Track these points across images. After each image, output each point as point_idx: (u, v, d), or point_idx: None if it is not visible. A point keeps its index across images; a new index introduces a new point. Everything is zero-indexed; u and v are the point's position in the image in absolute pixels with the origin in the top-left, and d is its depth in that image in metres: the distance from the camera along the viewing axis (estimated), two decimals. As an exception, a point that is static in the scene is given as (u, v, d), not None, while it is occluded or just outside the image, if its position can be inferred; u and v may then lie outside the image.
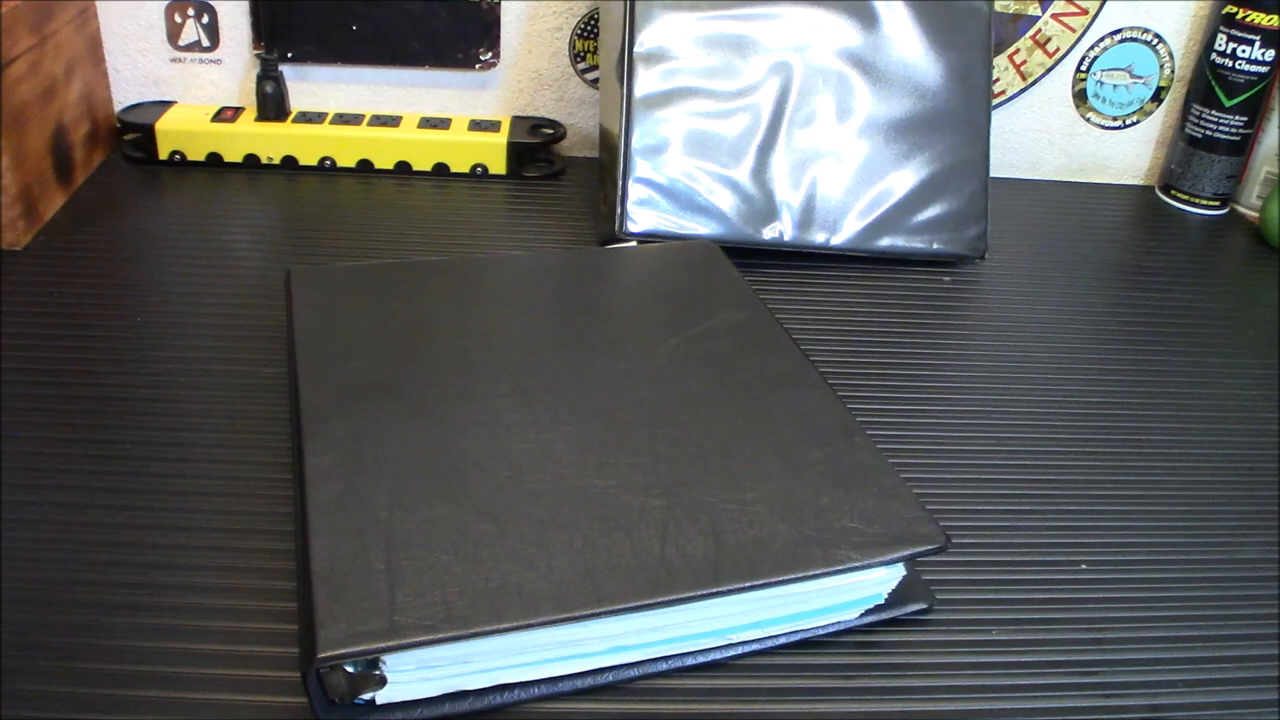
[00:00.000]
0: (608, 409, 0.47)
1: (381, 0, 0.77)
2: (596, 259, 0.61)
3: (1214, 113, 0.82)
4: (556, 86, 0.83)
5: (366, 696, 0.38)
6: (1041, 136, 0.88)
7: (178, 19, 0.79)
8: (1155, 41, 0.85)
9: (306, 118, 0.79)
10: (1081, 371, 0.63)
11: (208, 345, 0.58)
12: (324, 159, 0.78)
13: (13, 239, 0.65)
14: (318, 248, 0.69)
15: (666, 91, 0.69)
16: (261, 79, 0.77)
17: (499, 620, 0.37)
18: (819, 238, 0.70)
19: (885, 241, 0.71)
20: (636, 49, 0.68)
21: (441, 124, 0.80)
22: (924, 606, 0.45)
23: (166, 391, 0.54)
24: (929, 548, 0.42)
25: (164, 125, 0.76)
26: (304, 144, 0.77)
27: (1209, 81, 0.82)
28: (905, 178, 0.71)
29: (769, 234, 0.70)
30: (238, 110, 0.79)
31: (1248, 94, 0.80)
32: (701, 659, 0.42)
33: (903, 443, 0.55)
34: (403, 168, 0.79)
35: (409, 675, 0.37)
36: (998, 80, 0.85)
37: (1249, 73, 0.80)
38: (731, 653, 0.42)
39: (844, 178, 0.70)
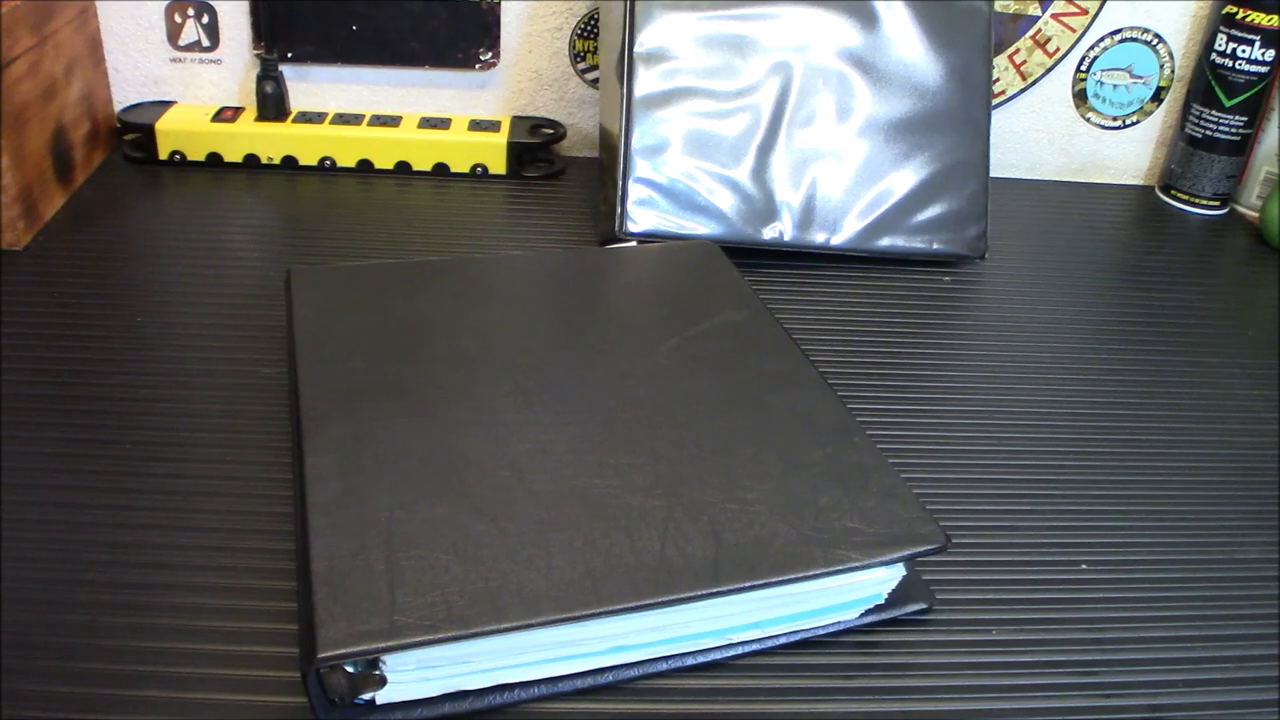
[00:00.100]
0: (608, 409, 0.47)
1: (381, 0, 0.77)
2: (596, 259, 0.61)
3: (1214, 113, 0.82)
4: (556, 86, 0.83)
5: (366, 696, 0.38)
6: (1041, 136, 0.88)
7: (178, 19, 0.79)
8: (1155, 41, 0.85)
9: (306, 118, 0.79)
10: (1081, 371, 0.63)
11: (208, 345, 0.58)
12: (324, 159, 0.78)
13: (13, 239, 0.65)
14: (318, 248, 0.69)
15: (666, 91, 0.69)
16: (261, 79, 0.77)
17: (499, 620, 0.37)
18: (819, 238, 0.70)
19: (885, 241, 0.71)
20: (636, 49, 0.68)
21: (441, 124, 0.80)
22: (924, 606, 0.45)
23: (166, 391, 0.54)
24: (929, 548, 0.42)
25: (164, 125, 0.76)
26: (304, 144, 0.77)
27: (1209, 81, 0.82)
28: (905, 178, 0.71)
29: (769, 234, 0.70)
30: (238, 110, 0.79)
31: (1248, 94, 0.80)
32: (701, 659, 0.42)
33: (903, 443, 0.55)
34: (403, 168, 0.79)
35: (409, 675, 0.37)
36: (998, 80, 0.85)
37: (1249, 73, 0.80)
38: (731, 653, 0.42)
39: (844, 178, 0.70)
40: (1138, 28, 0.84)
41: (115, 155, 0.78)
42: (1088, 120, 0.88)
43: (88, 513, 0.46)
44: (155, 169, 0.77)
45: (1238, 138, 0.82)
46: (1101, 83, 0.86)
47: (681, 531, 0.41)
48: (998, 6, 0.82)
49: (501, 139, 0.79)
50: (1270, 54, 0.79)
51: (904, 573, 0.43)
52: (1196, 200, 0.85)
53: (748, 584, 0.39)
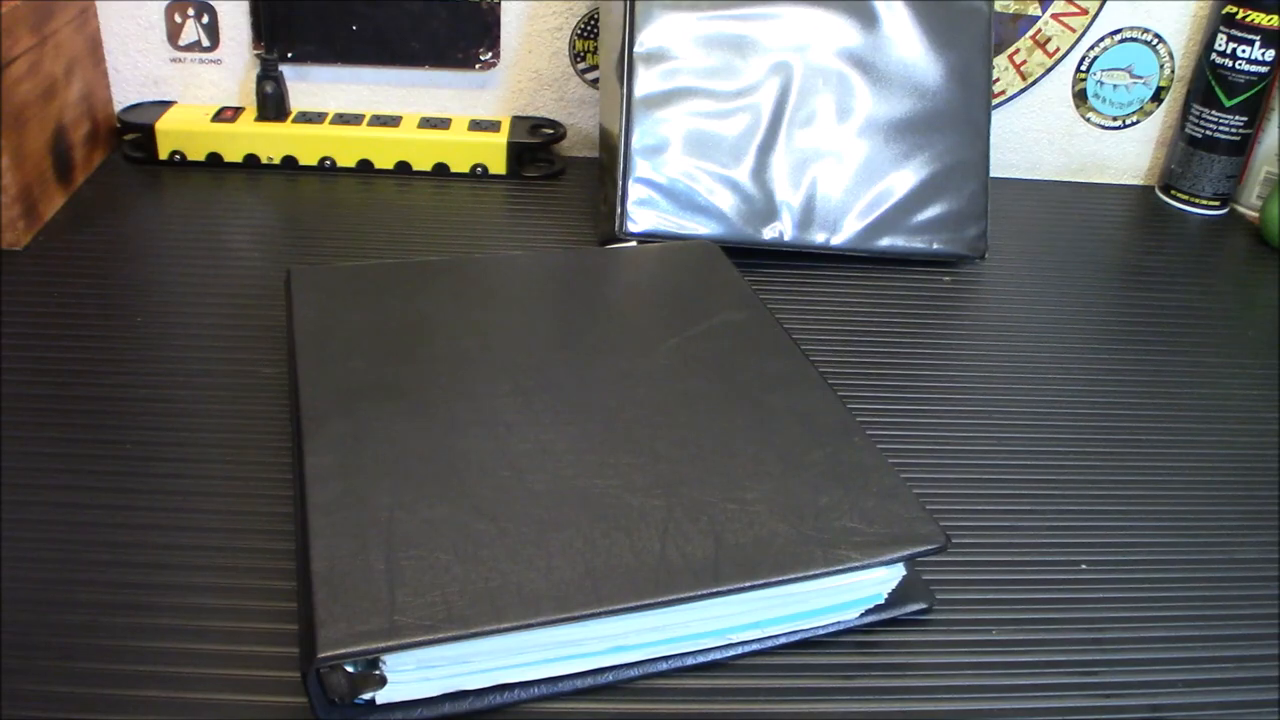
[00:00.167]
0: (608, 409, 0.47)
1: (381, 0, 0.77)
2: (596, 259, 0.61)
3: (1214, 113, 0.82)
4: (556, 86, 0.83)
5: (366, 696, 0.38)
6: (1041, 136, 0.88)
7: (178, 19, 0.79)
8: (1155, 41, 0.85)
9: (306, 118, 0.79)
10: (1081, 371, 0.63)
11: (208, 345, 0.58)
12: (324, 159, 0.78)
13: (13, 239, 0.65)
14: (318, 248, 0.69)
15: (666, 91, 0.69)
16: (261, 79, 0.77)
17: (499, 620, 0.37)
18: (819, 238, 0.70)
19: (885, 241, 0.71)
20: (636, 49, 0.68)
21: (441, 124, 0.80)
22: (924, 606, 0.45)
23: (166, 391, 0.54)
24: (929, 548, 0.42)
25: (164, 125, 0.76)
26: (304, 144, 0.77)
27: (1209, 81, 0.82)
28: (905, 178, 0.71)
29: (769, 234, 0.70)
30: (238, 110, 0.79)
31: (1248, 94, 0.80)
32: (701, 659, 0.42)
33: (903, 443, 0.55)
34: (403, 168, 0.79)
35: (409, 675, 0.37)
36: (998, 80, 0.85)
37: (1249, 73, 0.80)
38: (731, 653, 0.42)
39: (844, 178, 0.70)
40: (1138, 28, 0.84)
41: (115, 155, 0.78)
42: (1088, 120, 0.88)
43: (88, 513, 0.46)
44: (155, 169, 0.77)
45: (1238, 138, 0.82)
46: (1101, 83, 0.86)
47: (681, 531, 0.41)
48: (998, 6, 0.82)
49: (501, 139, 0.79)
50: (1270, 54, 0.79)
51: (904, 573, 0.43)
52: (1196, 200, 0.85)
53: (748, 584, 0.39)
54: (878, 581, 0.43)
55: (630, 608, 0.38)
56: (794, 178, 0.70)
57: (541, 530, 0.41)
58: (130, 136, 0.79)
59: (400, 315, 0.53)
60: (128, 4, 0.78)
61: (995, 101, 0.86)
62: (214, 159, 0.77)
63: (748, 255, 0.70)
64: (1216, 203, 0.85)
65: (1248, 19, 0.78)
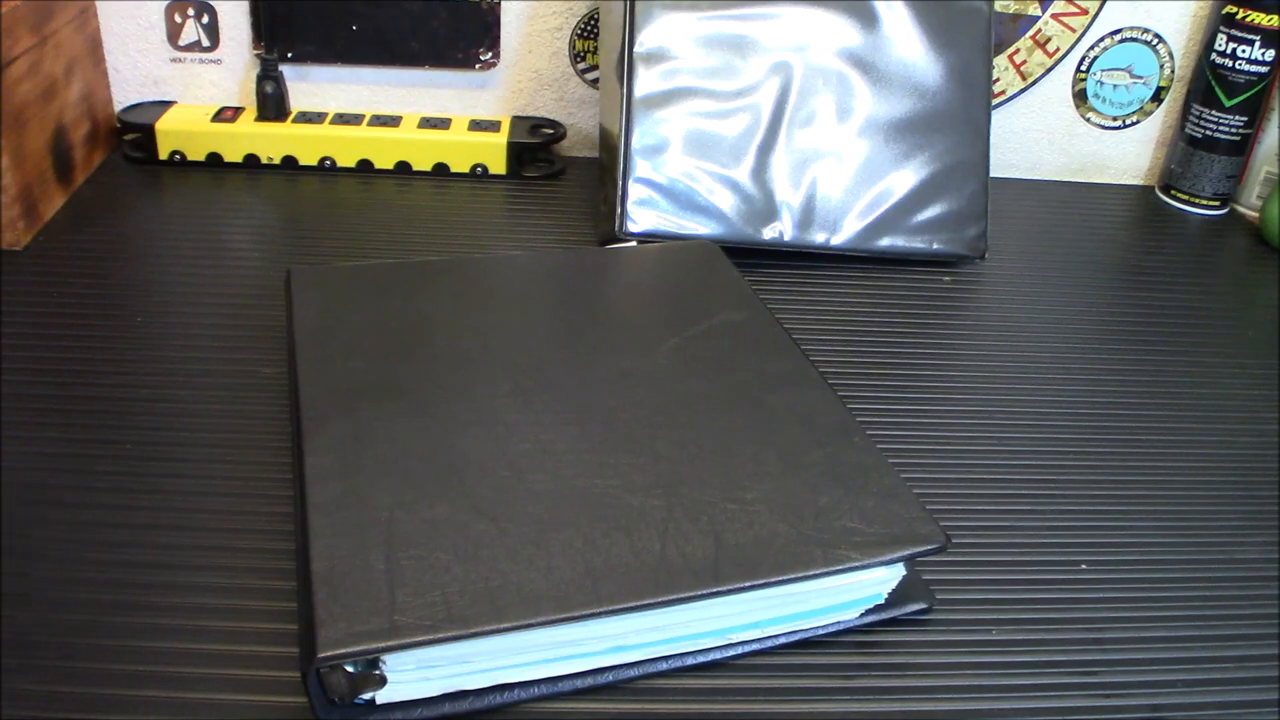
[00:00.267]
0: (608, 409, 0.47)
1: (381, 0, 0.77)
2: (596, 259, 0.61)
3: (1214, 113, 0.82)
4: (556, 86, 0.83)
5: (366, 696, 0.38)
6: (1041, 136, 0.88)
7: (178, 19, 0.79)
8: (1155, 41, 0.85)
9: (306, 118, 0.79)
10: (1081, 371, 0.63)
11: (208, 345, 0.58)
12: (324, 159, 0.78)
13: (13, 239, 0.65)
14: (318, 248, 0.69)
15: (666, 91, 0.69)
16: (261, 79, 0.77)
17: (499, 620, 0.37)
18: (819, 238, 0.70)
19: (885, 241, 0.71)
20: (636, 49, 0.68)
21: (441, 124, 0.80)
22: (924, 606, 0.45)
23: (166, 391, 0.54)
24: (929, 548, 0.42)
25: (164, 125, 0.76)
26: (304, 144, 0.77)
27: (1209, 81, 0.82)
28: (905, 178, 0.71)
29: (769, 234, 0.70)
30: (238, 110, 0.79)
31: (1248, 94, 0.80)
32: (701, 659, 0.42)
33: (903, 443, 0.55)
34: (403, 168, 0.79)
35: (409, 675, 0.38)
36: (998, 80, 0.85)
37: (1249, 73, 0.80)
38: (731, 653, 0.42)
39: (844, 178, 0.70)
40: (1138, 28, 0.84)
41: (115, 155, 0.78)
42: (1088, 120, 0.88)
43: (88, 512, 0.46)
44: (155, 169, 0.77)
45: (1238, 138, 0.82)
46: (1101, 83, 0.86)
47: (681, 531, 0.41)
48: (998, 6, 0.82)
49: (501, 139, 0.79)
50: (1270, 54, 0.79)
51: (904, 573, 0.43)
52: (1196, 200, 0.85)
53: (748, 584, 0.39)
54: (878, 581, 0.43)
55: (630, 608, 0.38)
56: (794, 178, 0.70)
57: (541, 530, 0.41)
58: (130, 136, 0.79)
59: (400, 315, 0.53)
60: (128, 4, 0.78)
61: (995, 101, 0.86)
62: (214, 159, 0.77)
63: (748, 255, 0.70)
64: (1216, 203, 0.85)
65: (1248, 19, 0.78)
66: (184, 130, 0.76)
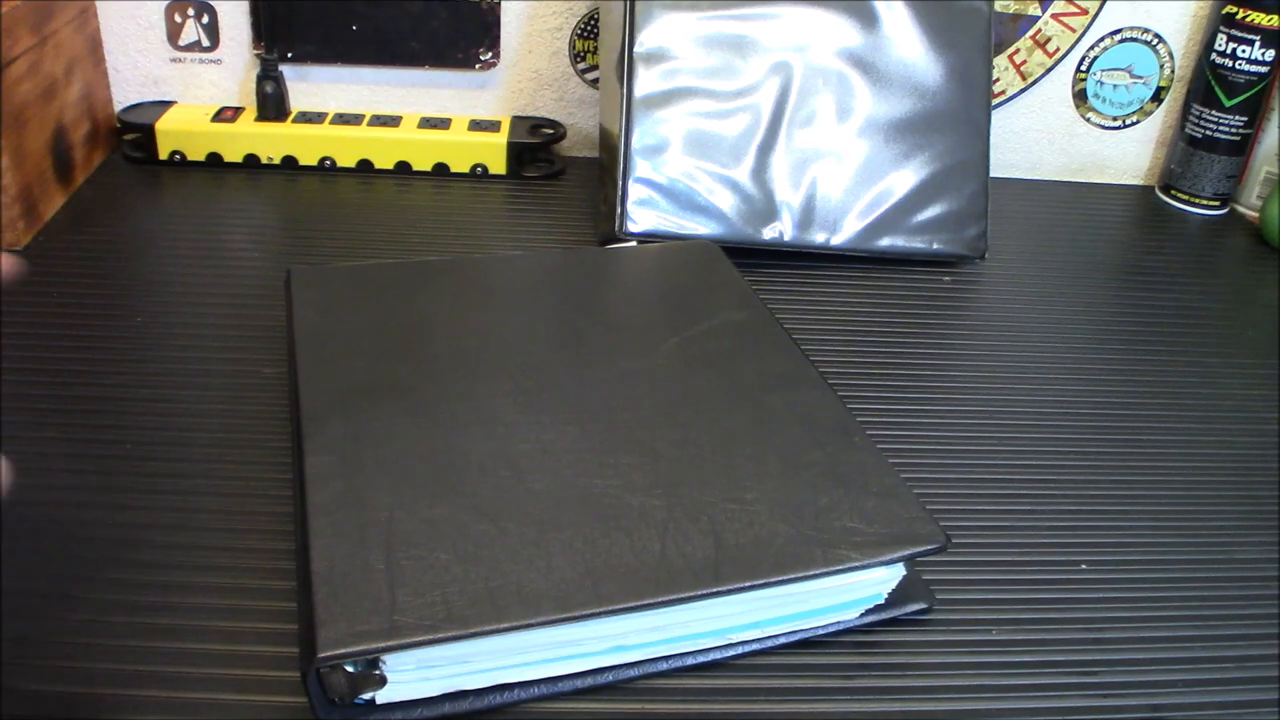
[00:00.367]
0: (608, 409, 0.47)
1: (381, 0, 0.77)
2: (596, 259, 0.61)
3: (1214, 113, 0.82)
4: (556, 86, 0.83)
5: (366, 696, 0.38)
6: (1041, 136, 0.88)
7: (178, 19, 0.79)
8: (1155, 41, 0.85)
9: (306, 118, 0.79)
10: (1081, 371, 0.63)
11: (208, 345, 0.58)
12: (324, 159, 0.78)
13: (13, 239, 0.65)
14: (318, 248, 0.69)
15: (666, 91, 0.69)
16: (261, 79, 0.77)
17: (499, 620, 0.37)
18: (819, 238, 0.70)
19: (885, 241, 0.71)
20: (636, 49, 0.68)
21: (441, 124, 0.80)
22: (924, 606, 0.45)
23: (166, 391, 0.54)
24: (929, 548, 0.42)
25: (164, 125, 0.76)
26: (304, 144, 0.77)
27: (1209, 81, 0.82)
28: (905, 178, 0.71)
29: (769, 234, 0.70)
30: (238, 110, 0.79)
31: (1248, 94, 0.80)
32: (701, 659, 0.42)
33: (903, 443, 0.55)
34: (403, 168, 0.79)
35: (409, 675, 0.38)
36: (998, 80, 0.85)
37: (1249, 73, 0.80)
38: (731, 653, 0.42)
39: (844, 178, 0.70)
40: (1138, 28, 0.84)
41: (115, 155, 0.78)
42: (1088, 120, 0.88)
43: (88, 512, 0.46)
44: (155, 169, 0.77)
45: (1238, 138, 0.82)
46: (1101, 83, 0.86)
47: (681, 531, 0.41)
48: (998, 6, 0.82)
49: (501, 139, 0.79)
50: (1270, 54, 0.79)
51: (904, 573, 0.43)
52: (1196, 200, 0.85)
53: (748, 584, 0.39)
54: (878, 581, 0.43)
55: (630, 608, 0.38)
56: (794, 178, 0.70)
57: (541, 530, 0.41)
58: (130, 136, 0.79)
59: (400, 315, 0.53)
60: (128, 4, 0.78)
61: (995, 101, 0.86)
62: (214, 159, 0.77)
63: (748, 255, 0.70)
64: (1216, 203, 0.85)
65: (1248, 19, 0.78)
66: (184, 130, 0.76)
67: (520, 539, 0.40)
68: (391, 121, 0.79)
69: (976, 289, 0.71)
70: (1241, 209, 0.86)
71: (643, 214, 0.68)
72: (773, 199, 0.69)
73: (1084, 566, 0.48)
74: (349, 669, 0.37)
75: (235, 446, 0.51)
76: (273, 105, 0.77)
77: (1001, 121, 0.87)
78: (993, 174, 0.88)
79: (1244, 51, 0.79)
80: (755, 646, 0.42)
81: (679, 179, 0.69)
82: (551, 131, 0.81)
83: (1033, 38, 0.84)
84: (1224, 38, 0.80)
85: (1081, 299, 0.71)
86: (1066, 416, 0.59)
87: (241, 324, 0.60)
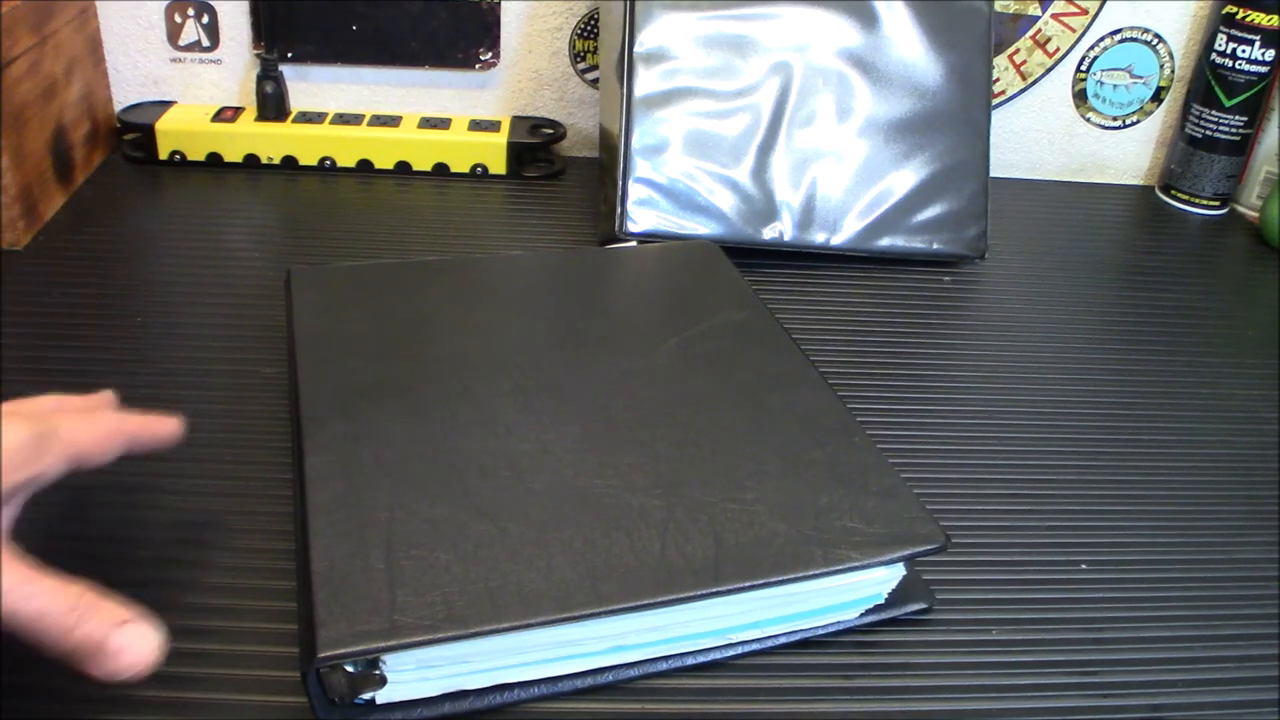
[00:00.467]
0: (608, 409, 0.47)
1: (381, 0, 0.77)
2: (596, 259, 0.61)
3: (1214, 113, 0.82)
4: (556, 86, 0.83)
5: (366, 696, 0.38)
6: (1041, 136, 0.88)
7: (178, 19, 0.79)
8: (1155, 41, 0.85)
9: (306, 118, 0.79)
10: (1081, 371, 0.63)
11: (208, 345, 0.58)
12: (324, 159, 0.78)
13: (13, 239, 0.65)
14: (318, 248, 0.69)
15: (666, 91, 0.69)
16: (261, 79, 0.77)
17: (499, 620, 0.37)
18: (819, 238, 0.70)
19: (885, 241, 0.71)
20: (636, 49, 0.68)
21: (441, 124, 0.80)
22: (924, 606, 0.45)
23: (166, 392, 0.54)
24: (929, 548, 0.42)
25: (164, 125, 0.76)
26: (304, 144, 0.77)
27: (1209, 81, 0.82)
28: (905, 178, 0.71)
29: (769, 234, 0.70)
30: (238, 110, 0.79)
31: (1248, 94, 0.80)
32: (701, 659, 0.42)
33: (903, 443, 0.55)
34: (403, 168, 0.79)
35: (409, 675, 0.37)
36: (998, 80, 0.85)
37: (1249, 73, 0.80)
38: (731, 653, 0.42)
39: (844, 178, 0.70)
40: (1138, 28, 0.84)
41: (115, 155, 0.78)
42: (1088, 120, 0.88)
43: (88, 512, 0.46)
44: (155, 169, 0.77)
45: (1238, 138, 0.82)
46: (1101, 83, 0.86)
47: (681, 531, 0.41)
48: (998, 6, 0.82)
49: (501, 139, 0.79)
50: (1270, 54, 0.79)
51: (904, 573, 0.43)
52: (1196, 200, 0.85)
53: (748, 584, 0.39)
54: (878, 581, 0.43)
55: (630, 608, 0.38)
56: (794, 178, 0.70)
57: (541, 530, 0.41)
58: (130, 136, 0.79)
59: (400, 315, 0.53)
60: (128, 4, 0.78)
61: (995, 101, 0.86)
62: (214, 159, 0.77)
63: (748, 255, 0.70)
64: (1216, 203, 0.85)
65: (1248, 19, 0.78)
66: (184, 130, 0.76)
67: (520, 539, 0.40)
68: (391, 121, 0.79)
69: (976, 289, 0.71)
70: (1241, 209, 0.86)
71: (643, 214, 0.68)
72: (773, 199, 0.69)
73: (1084, 566, 0.48)
74: (349, 669, 0.37)
75: (235, 446, 0.51)
76: (273, 105, 0.77)
77: (1001, 121, 0.87)
78: (993, 174, 0.88)
79: (1244, 51, 0.79)
80: (755, 646, 0.42)
81: (679, 179, 0.69)
82: (551, 131, 0.81)
83: (1033, 38, 0.84)
84: (1224, 38, 0.80)
85: (1081, 299, 0.71)
86: (1066, 416, 0.59)
87: (241, 324, 0.60)
